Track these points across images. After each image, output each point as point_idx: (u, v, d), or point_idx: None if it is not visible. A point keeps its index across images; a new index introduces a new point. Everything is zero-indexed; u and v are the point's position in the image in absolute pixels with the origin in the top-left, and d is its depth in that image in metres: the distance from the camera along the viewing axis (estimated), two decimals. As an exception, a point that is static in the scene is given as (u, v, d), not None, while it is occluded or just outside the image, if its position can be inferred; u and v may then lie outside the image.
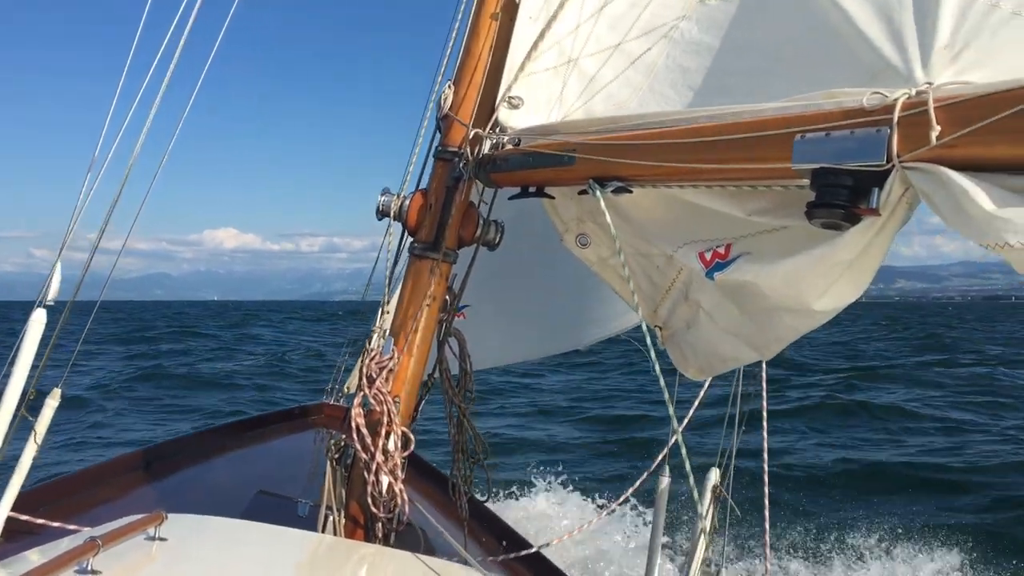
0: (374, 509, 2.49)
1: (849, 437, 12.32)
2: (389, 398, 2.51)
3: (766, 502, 2.84)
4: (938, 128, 1.31)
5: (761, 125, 1.62)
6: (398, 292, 2.75)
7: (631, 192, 2.06)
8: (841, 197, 1.46)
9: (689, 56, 2.22)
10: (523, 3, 2.60)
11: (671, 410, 2.02)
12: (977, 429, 12.96)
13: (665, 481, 2.74)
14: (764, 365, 2.76)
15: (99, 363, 22.18)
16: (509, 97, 2.50)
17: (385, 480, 2.46)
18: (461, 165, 2.58)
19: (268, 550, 2.29)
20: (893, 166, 1.38)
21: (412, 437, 2.55)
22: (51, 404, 2.40)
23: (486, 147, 2.50)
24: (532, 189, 2.42)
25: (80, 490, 3.48)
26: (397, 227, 2.75)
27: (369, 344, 2.64)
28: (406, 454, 2.53)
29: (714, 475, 2.60)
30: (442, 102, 2.73)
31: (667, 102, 2.21)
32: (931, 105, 1.32)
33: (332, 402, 5.28)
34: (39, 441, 2.37)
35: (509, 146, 2.43)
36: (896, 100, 1.37)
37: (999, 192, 1.27)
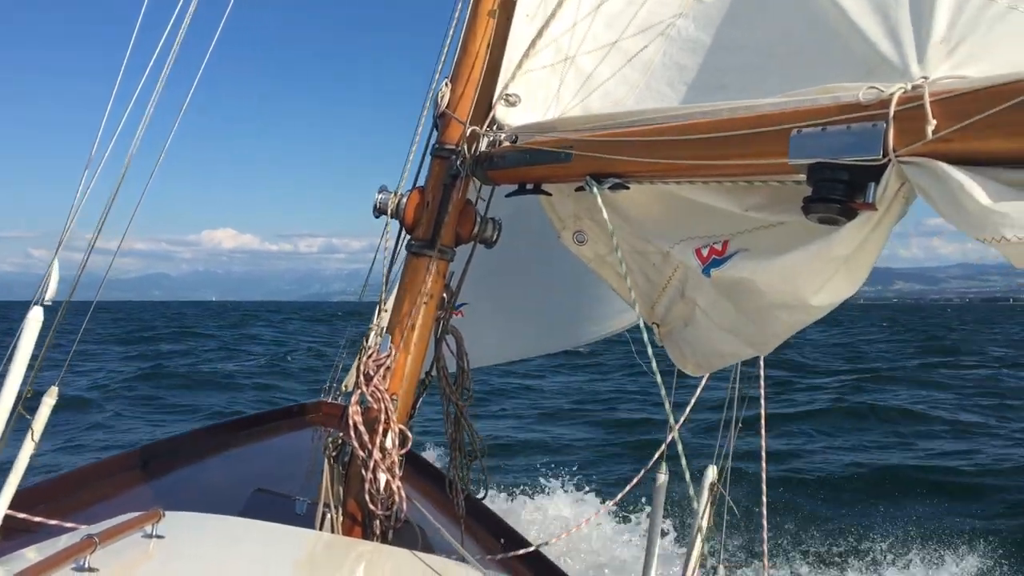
0: (372, 507, 2.49)
1: (858, 440, 12.27)
2: (387, 396, 2.51)
3: (763, 499, 2.84)
4: (934, 122, 1.31)
5: (757, 121, 1.62)
6: (396, 290, 2.75)
7: (628, 188, 2.06)
8: (837, 192, 1.47)
9: (686, 53, 2.22)
10: (520, 1, 2.60)
11: (668, 407, 2.02)
12: (986, 432, 12.92)
13: (662, 478, 2.74)
14: (762, 361, 2.76)
15: (99, 363, 22.17)
16: (506, 95, 2.51)
17: (383, 477, 2.46)
18: (458, 162, 2.58)
19: (266, 548, 2.28)
20: (889, 161, 1.38)
21: (410, 435, 2.56)
22: (48, 402, 2.40)
23: (483, 144, 2.50)
24: (529, 186, 2.42)
25: (77, 488, 3.48)
26: (395, 225, 2.75)
27: (366, 342, 2.64)
28: (403, 451, 2.53)
29: (712, 473, 2.60)
30: (439, 100, 2.73)
31: (664, 99, 2.21)
32: (927, 99, 1.32)
33: (330, 400, 5.27)
34: (36, 439, 2.37)
35: (506, 143, 2.43)
36: (892, 95, 1.37)
37: (995, 186, 1.27)
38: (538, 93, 2.51)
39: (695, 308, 2.25)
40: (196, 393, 16.74)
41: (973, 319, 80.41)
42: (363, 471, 2.47)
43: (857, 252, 1.59)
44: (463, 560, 2.42)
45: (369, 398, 2.49)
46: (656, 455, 2.87)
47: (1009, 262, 1.33)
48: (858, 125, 1.41)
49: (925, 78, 1.42)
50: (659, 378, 1.98)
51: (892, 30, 1.57)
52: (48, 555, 1.80)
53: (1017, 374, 21.76)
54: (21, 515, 2.67)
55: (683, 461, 1.83)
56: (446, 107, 2.72)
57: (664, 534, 5.94)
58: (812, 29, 1.80)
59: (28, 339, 2.33)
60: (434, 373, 2.76)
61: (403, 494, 2.49)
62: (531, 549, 3.23)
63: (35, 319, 2.36)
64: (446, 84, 2.75)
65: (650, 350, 2.03)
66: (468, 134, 2.55)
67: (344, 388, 5.23)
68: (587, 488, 8.26)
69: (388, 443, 2.48)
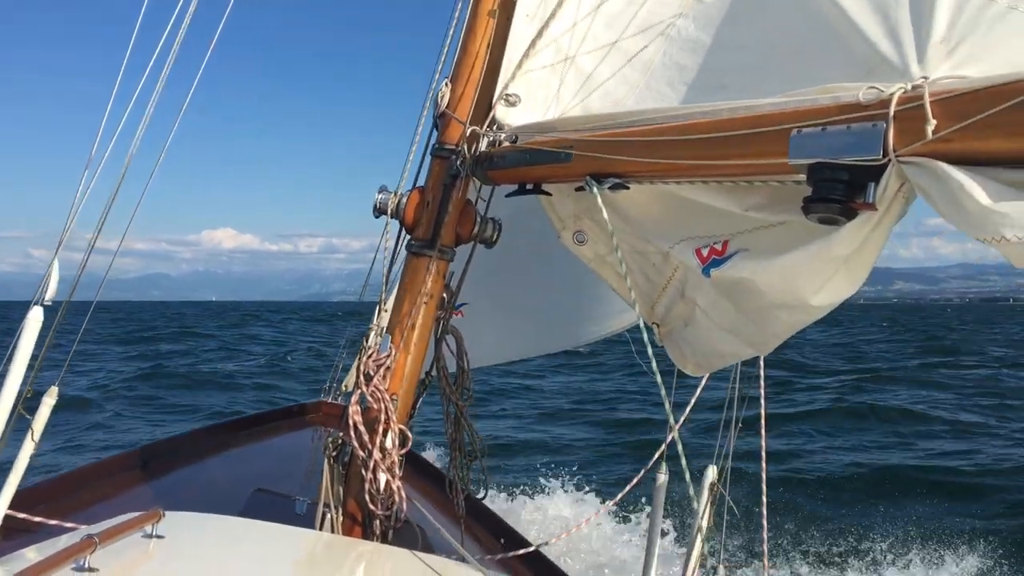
0: (372, 507, 2.49)
1: (859, 440, 12.26)
2: (386, 396, 2.51)
3: (763, 499, 2.84)
4: (934, 122, 1.31)
5: (757, 121, 1.62)
6: (396, 290, 2.75)
7: (628, 188, 2.06)
8: (837, 192, 1.47)
9: (686, 53, 2.22)
10: (520, 1, 2.60)
11: (668, 407, 2.02)
12: (986, 432, 12.91)
13: (662, 478, 2.74)
14: (762, 360, 2.77)
15: (98, 363, 22.17)
16: (506, 95, 2.51)
17: (383, 477, 2.46)
18: (458, 162, 2.58)
19: (266, 548, 2.28)
20: (889, 160, 1.38)
21: (409, 435, 2.55)
22: (48, 402, 2.40)
23: (483, 144, 2.50)
24: (529, 186, 2.42)
25: (77, 488, 3.48)
26: (395, 225, 2.75)
27: (366, 342, 2.64)
28: (403, 451, 2.53)
29: (711, 473, 2.60)
30: (439, 100, 2.73)
31: (664, 99, 2.21)
32: (927, 99, 1.32)
33: (330, 400, 5.27)
34: (36, 439, 2.37)
35: (506, 143, 2.43)
36: (892, 95, 1.37)
37: (995, 186, 1.27)
38: (538, 93, 2.51)
39: (695, 308, 2.25)
40: (196, 393, 16.74)
41: (973, 319, 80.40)
42: (363, 471, 2.47)
43: (857, 252, 1.59)
44: (463, 560, 2.42)
45: (369, 398, 2.49)
46: (656, 455, 2.87)
47: (1009, 262, 1.33)
48: (858, 125, 1.41)
49: (925, 78, 1.42)
50: (659, 378, 1.98)
51: (892, 30, 1.57)
52: (48, 555, 1.80)
53: (1017, 374, 21.76)
54: (21, 515, 2.67)
55: (683, 461, 1.83)
56: (446, 107, 2.72)
57: (664, 534, 5.94)
58: (812, 29, 1.80)
59: (28, 339, 2.33)
60: (434, 373, 2.76)
61: (403, 494, 2.49)
62: (531, 549, 3.22)
63: (35, 319, 2.36)
64: (446, 84, 2.75)
65: (650, 350, 2.03)
66: (468, 134, 2.55)
67: (344, 388, 5.23)
68: (587, 488, 8.26)
69: (388, 443, 2.48)
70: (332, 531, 2.57)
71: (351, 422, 2.46)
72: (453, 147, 2.65)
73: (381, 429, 2.47)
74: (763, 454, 3.04)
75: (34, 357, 2.35)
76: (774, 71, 1.90)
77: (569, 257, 2.55)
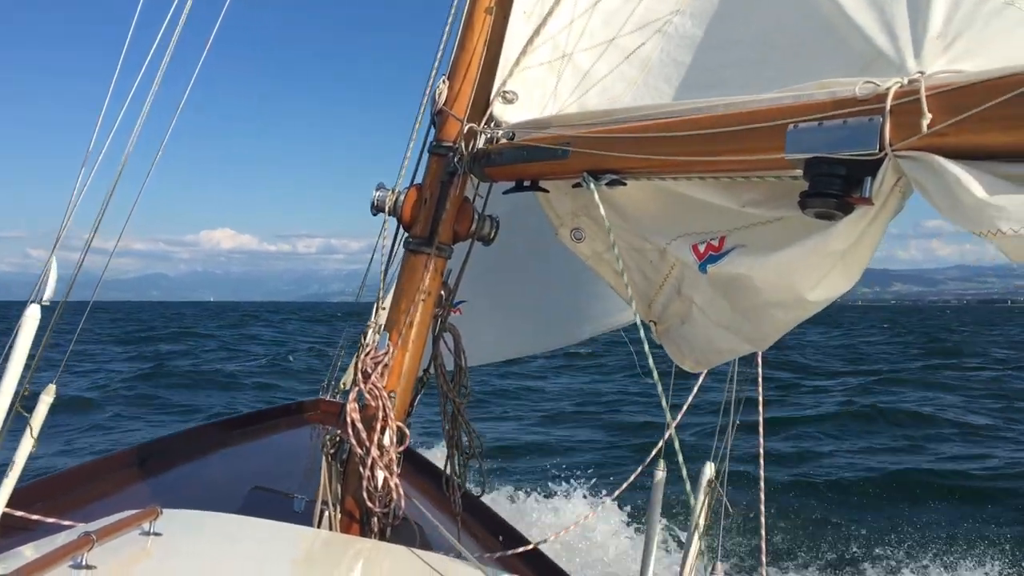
0: (370, 504, 2.49)
1: (867, 444, 12.14)
2: (384, 393, 2.50)
3: (761, 496, 2.84)
4: (930, 116, 1.31)
5: (754, 116, 1.62)
6: (393, 288, 2.75)
7: (625, 185, 2.06)
8: (834, 186, 1.46)
9: (683, 50, 2.22)
10: (517, -2, 2.60)
11: (665, 404, 2.02)
12: (996, 436, 12.81)
13: (660, 475, 2.73)
14: (760, 356, 2.76)
15: (98, 364, 22.16)
16: (504, 92, 2.51)
17: (380, 475, 2.46)
18: (456, 160, 2.58)
19: (263, 545, 2.28)
20: (886, 155, 1.38)
21: (407, 432, 2.55)
22: (46, 400, 2.39)
23: (481, 142, 2.50)
24: (527, 183, 2.42)
25: (75, 486, 3.48)
26: (392, 222, 2.75)
27: (364, 339, 2.63)
28: (401, 449, 2.52)
29: (709, 469, 2.59)
30: (437, 97, 2.73)
31: (661, 96, 2.21)
32: (923, 93, 1.32)
33: (328, 398, 5.27)
34: (34, 436, 2.36)
35: (503, 140, 2.43)
36: (888, 89, 1.37)
37: (991, 179, 1.27)
38: (535, 90, 2.50)
39: (692, 305, 2.25)
40: (196, 393, 16.72)
41: (972, 320, 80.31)
42: (361, 468, 2.47)
43: (854, 247, 1.58)
44: (461, 557, 2.42)
45: (367, 395, 2.49)
46: (653, 452, 2.86)
47: (1006, 256, 1.33)
48: (854, 120, 1.41)
49: (921, 72, 1.42)
50: (656, 375, 1.98)
51: (888, 25, 1.57)
52: (46, 552, 1.80)
53: (1022, 375, 21.68)
54: (19, 513, 2.67)
55: (680, 457, 1.83)
56: (443, 104, 2.72)
57: (662, 531, 5.92)
58: (808, 24, 1.80)
59: (25, 337, 2.33)
60: (432, 371, 2.76)
61: (401, 491, 2.49)
62: (529, 547, 3.22)
63: (32, 317, 2.35)
64: (443, 81, 2.75)
65: (647, 348, 2.03)
66: (465, 131, 2.55)
67: (342, 386, 5.23)
68: (592, 491, 8.22)
69: (386, 440, 2.48)
70: (330, 529, 2.57)
71: (349, 419, 2.46)
72: (451, 144, 2.65)
73: (379, 426, 2.47)
74: (761, 451, 3.03)
75: (31, 356, 2.35)
76: (771, 66, 1.90)
77: (567, 254, 2.55)
